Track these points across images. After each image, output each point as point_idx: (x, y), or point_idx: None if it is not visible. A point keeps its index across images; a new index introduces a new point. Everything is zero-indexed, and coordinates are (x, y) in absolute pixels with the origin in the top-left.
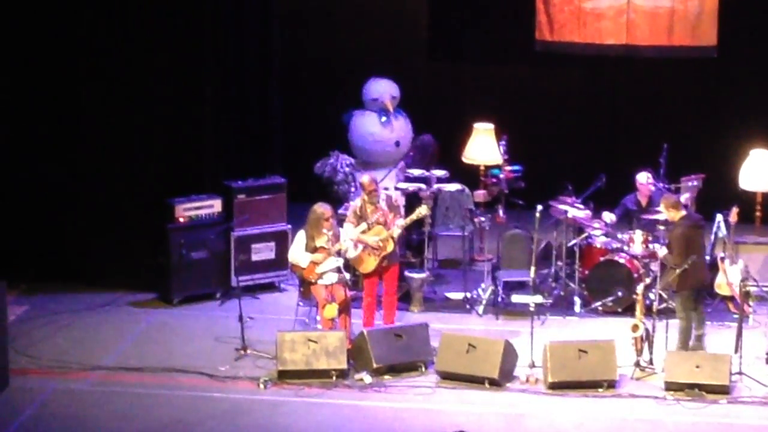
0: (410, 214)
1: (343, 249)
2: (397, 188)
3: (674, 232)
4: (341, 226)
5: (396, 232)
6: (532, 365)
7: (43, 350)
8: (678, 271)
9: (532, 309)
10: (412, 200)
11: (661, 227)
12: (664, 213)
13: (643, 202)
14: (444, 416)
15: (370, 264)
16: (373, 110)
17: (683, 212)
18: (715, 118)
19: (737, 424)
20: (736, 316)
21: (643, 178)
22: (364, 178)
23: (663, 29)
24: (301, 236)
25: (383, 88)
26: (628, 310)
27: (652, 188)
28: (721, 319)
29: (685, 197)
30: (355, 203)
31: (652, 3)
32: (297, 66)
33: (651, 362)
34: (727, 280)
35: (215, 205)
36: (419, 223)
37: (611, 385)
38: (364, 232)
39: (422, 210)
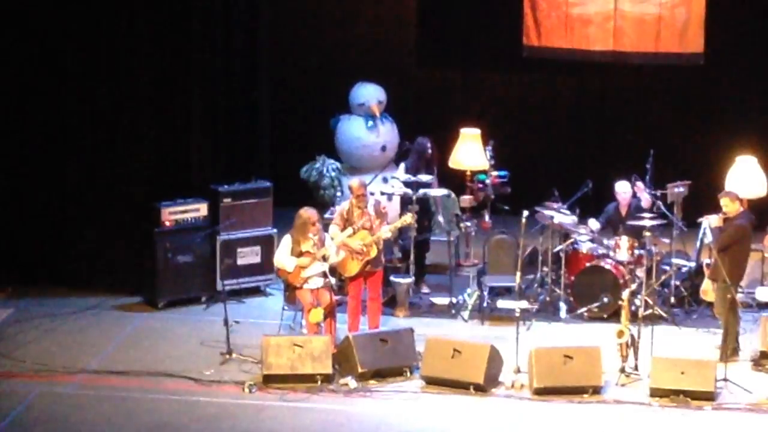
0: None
1: (326, 254)
2: (383, 193)
3: (735, 221)
4: (327, 230)
5: (385, 236)
6: (518, 371)
7: (29, 353)
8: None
9: (517, 314)
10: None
11: (647, 233)
12: (724, 206)
13: (623, 211)
14: (429, 421)
15: (353, 268)
16: (360, 115)
17: (741, 208)
18: (702, 125)
19: (722, 431)
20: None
21: (622, 187)
22: (354, 181)
23: (650, 36)
24: (286, 240)
25: (370, 93)
26: (614, 316)
27: (639, 195)
28: (707, 326)
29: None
30: (343, 206)
31: (639, 9)
32: (284, 70)
33: (636, 368)
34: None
35: (201, 209)
36: (404, 228)
37: (596, 391)
38: (349, 236)
39: (407, 218)
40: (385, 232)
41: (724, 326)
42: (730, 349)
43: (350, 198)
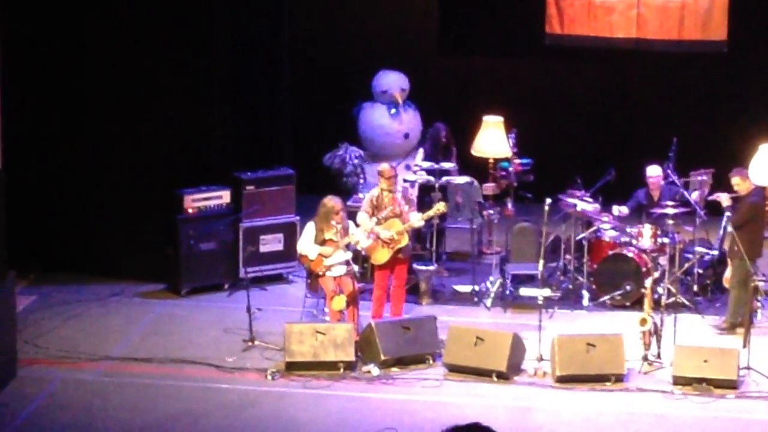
0: (424, 208)
1: (353, 241)
2: (406, 180)
3: (748, 199)
4: (351, 218)
5: (417, 224)
6: (540, 359)
7: (52, 340)
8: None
9: (540, 302)
10: (423, 193)
11: (671, 222)
12: (736, 184)
13: (654, 195)
14: (451, 409)
15: (382, 256)
16: (383, 102)
17: (753, 185)
18: (725, 113)
19: (745, 419)
20: None
21: (654, 171)
22: (384, 166)
23: (673, 23)
24: (310, 228)
25: (393, 81)
26: (637, 304)
27: (662, 182)
28: None
29: (696, 194)
30: (372, 193)
31: None
32: (307, 57)
33: (659, 356)
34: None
35: (224, 196)
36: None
37: (619, 379)
38: (377, 224)
39: (440, 206)
40: (417, 220)
41: (733, 299)
42: (728, 323)
43: (379, 184)
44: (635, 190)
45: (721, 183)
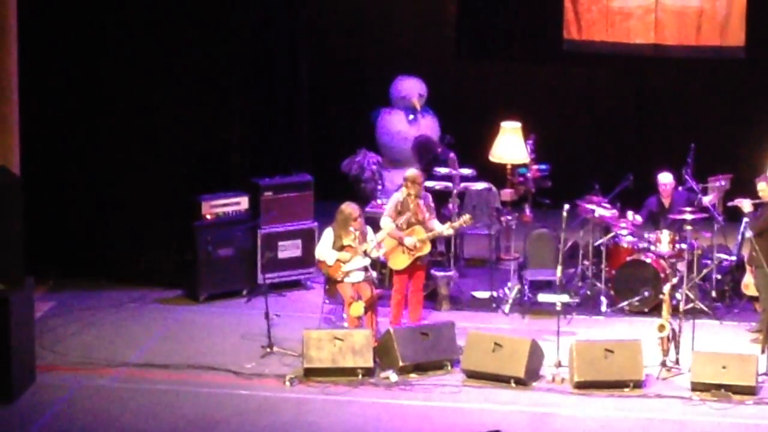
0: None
1: (369, 249)
2: (426, 188)
3: None
4: (368, 224)
5: (446, 233)
6: (559, 365)
7: (70, 346)
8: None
9: (558, 308)
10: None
11: (689, 227)
12: (761, 190)
13: (666, 203)
14: (470, 415)
15: (401, 262)
16: (401, 108)
17: None
18: (743, 118)
19: (764, 425)
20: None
21: (665, 178)
22: (411, 171)
23: (691, 29)
24: (328, 234)
25: (411, 87)
26: (655, 310)
27: (679, 188)
28: (748, 320)
29: (709, 198)
30: (397, 197)
31: (681, 3)
32: (324, 64)
33: (677, 362)
34: (754, 280)
35: (242, 203)
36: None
37: (637, 385)
38: (397, 229)
39: (466, 218)
40: (446, 229)
41: (764, 311)
42: (765, 335)
43: (405, 189)
44: (646, 198)
45: (743, 188)
